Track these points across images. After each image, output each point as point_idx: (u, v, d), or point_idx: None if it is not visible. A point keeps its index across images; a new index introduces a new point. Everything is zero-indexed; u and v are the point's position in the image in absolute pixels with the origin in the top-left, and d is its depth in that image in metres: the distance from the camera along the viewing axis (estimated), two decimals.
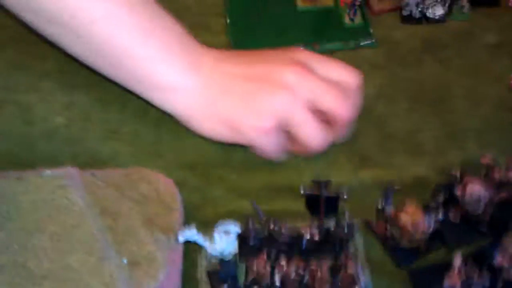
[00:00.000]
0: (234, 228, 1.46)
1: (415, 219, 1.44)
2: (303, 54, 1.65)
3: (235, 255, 1.51)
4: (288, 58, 1.62)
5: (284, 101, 1.55)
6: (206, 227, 1.57)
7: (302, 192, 1.45)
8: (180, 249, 1.46)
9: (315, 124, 1.60)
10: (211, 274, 1.47)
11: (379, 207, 1.49)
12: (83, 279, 1.33)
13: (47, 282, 1.33)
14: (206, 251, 1.50)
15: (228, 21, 1.96)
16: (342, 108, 1.61)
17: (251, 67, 1.62)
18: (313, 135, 1.61)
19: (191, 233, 1.45)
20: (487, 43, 1.93)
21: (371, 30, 1.93)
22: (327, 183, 1.45)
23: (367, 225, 1.55)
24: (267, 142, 1.60)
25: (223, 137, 1.64)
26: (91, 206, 1.44)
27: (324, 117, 1.62)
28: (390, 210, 1.47)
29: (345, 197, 1.45)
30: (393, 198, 1.50)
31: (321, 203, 1.45)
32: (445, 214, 1.53)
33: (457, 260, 1.40)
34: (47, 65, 1.88)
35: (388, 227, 1.50)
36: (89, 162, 1.68)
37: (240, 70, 1.62)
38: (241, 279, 1.48)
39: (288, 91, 1.56)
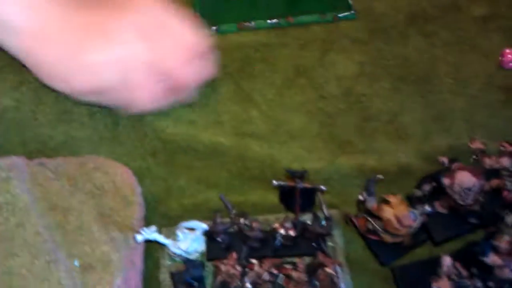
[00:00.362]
0: (200, 225, 1.31)
1: (399, 212, 1.30)
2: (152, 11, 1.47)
3: (201, 254, 1.36)
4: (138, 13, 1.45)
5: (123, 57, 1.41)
6: (170, 222, 1.42)
7: (275, 184, 1.29)
8: (140, 249, 1.32)
9: (151, 86, 1.46)
10: (175, 276, 1.33)
11: (361, 198, 1.35)
12: (28, 285, 1.17)
13: None
14: (168, 250, 1.35)
15: None
16: (183, 72, 1.47)
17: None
18: (146, 96, 1.48)
19: (150, 232, 1.29)
20: (475, 15, 1.78)
21: (350, 1, 1.77)
22: (302, 174, 1.30)
23: (347, 219, 1.41)
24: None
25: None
26: (39, 201, 1.28)
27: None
28: (372, 202, 1.33)
29: (322, 189, 1.30)
30: (375, 188, 1.35)
31: (297, 195, 1.31)
32: (432, 205, 1.39)
33: (446, 261, 1.27)
34: None
35: (370, 220, 1.36)
36: (40, 148, 1.53)
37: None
38: (209, 281, 1.34)
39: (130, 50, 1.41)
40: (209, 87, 1.62)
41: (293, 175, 1.29)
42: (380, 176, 1.33)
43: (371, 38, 1.72)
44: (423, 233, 1.39)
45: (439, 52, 1.70)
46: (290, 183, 1.31)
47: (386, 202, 1.32)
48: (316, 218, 1.36)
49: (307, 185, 1.30)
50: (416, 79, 1.66)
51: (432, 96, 1.63)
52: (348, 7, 1.76)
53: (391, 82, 1.65)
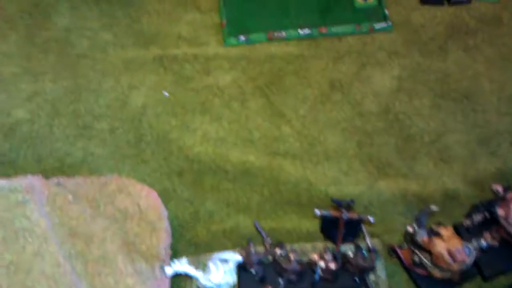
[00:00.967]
0: (233, 257, 1.19)
1: (452, 246, 1.19)
2: None
3: (233, 286, 1.25)
4: None
5: None
6: (197, 250, 1.31)
7: (318, 213, 1.18)
8: (166, 281, 1.20)
9: None
10: None
11: (410, 230, 1.23)
12: None
13: None
14: (197, 282, 1.24)
15: None
16: None
17: None
18: None
19: (181, 264, 1.18)
20: None
21: (387, 12, 1.65)
22: (348, 204, 1.19)
23: (391, 251, 1.29)
24: None
25: None
26: (58, 226, 1.17)
27: None
28: (423, 235, 1.21)
29: (370, 220, 1.19)
30: (427, 221, 1.24)
31: (340, 227, 1.19)
32: (481, 236, 1.28)
33: None
34: (8, 46, 1.58)
35: (418, 253, 1.25)
36: (56, 166, 1.41)
37: None
38: None
39: None
40: (238, 101, 1.51)
41: (339, 205, 1.18)
42: (434, 208, 1.22)
43: (409, 51, 1.61)
44: (472, 267, 1.28)
45: (482, 68, 1.59)
46: (334, 213, 1.19)
47: (437, 234, 1.21)
48: (358, 250, 1.25)
49: (353, 215, 1.18)
50: (458, 96, 1.55)
51: (476, 115, 1.52)
52: (385, 18, 1.64)
53: (431, 99, 1.54)
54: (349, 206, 1.18)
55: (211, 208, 1.38)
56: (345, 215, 1.18)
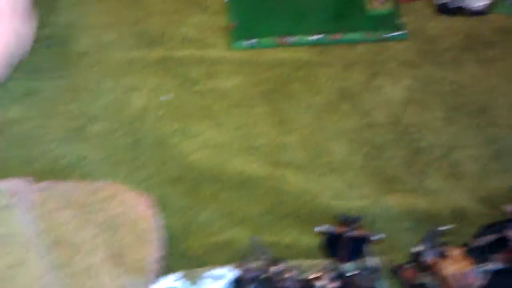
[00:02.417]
0: (228, 274, 1.13)
1: (461, 270, 1.12)
2: None
3: None
4: None
5: None
6: (189, 263, 1.24)
7: (318, 230, 1.11)
8: None
9: None
10: None
11: (415, 250, 1.16)
12: None
13: None
14: None
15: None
16: None
17: None
18: None
19: (169, 282, 1.12)
20: None
21: (402, 20, 1.58)
22: (355, 220, 1.12)
23: (395, 271, 1.22)
24: None
25: None
26: (43, 234, 1.10)
27: None
28: (431, 256, 1.14)
29: (375, 239, 1.12)
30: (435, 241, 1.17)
31: (343, 244, 1.12)
32: (490, 258, 1.21)
33: None
34: None
35: (421, 275, 1.18)
36: (47, 169, 1.35)
37: None
38: None
39: None
40: (243, 107, 1.45)
41: (345, 221, 1.11)
42: (444, 228, 1.15)
43: (422, 62, 1.54)
44: None
45: (497, 82, 1.53)
46: (337, 229, 1.12)
47: (445, 256, 1.14)
48: (361, 269, 1.18)
49: (357, 233, 1.11)
50: (472, 110, 1.48)
51: (490, 130, 1.45)
52: (399, 27, 1.57)
53: (444, 111, 1.47)
54: (355, 223, 1.11)
55: (206, 219, 1.31)
56: (349, 232, 1.11)
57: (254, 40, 1.54)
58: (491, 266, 1.15)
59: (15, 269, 1.04)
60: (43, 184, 1.21)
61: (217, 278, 1.15)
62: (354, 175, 1.38)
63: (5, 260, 1.04)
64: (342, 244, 1.12)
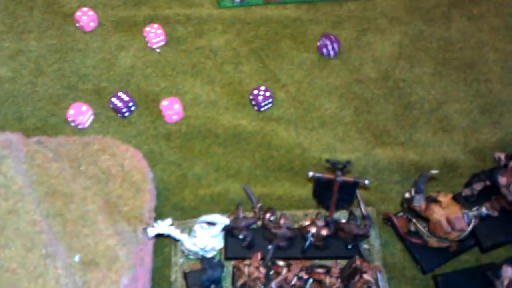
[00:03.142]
0: (221, 219, 1.13)
1: (452, 214, 1.13)
2: None
3: (218, 252, 1.19)
4: None
5: None
6: (183, 215, 1.25)
7: (311, 175, 1.12)
8: (150, 244, 1.14)
9: None
10: (189, 275, 1.15)
11: (407, 196, 1.17)
12: (19, 283, 1.00)
13: None
14: (180, 246, 1.18)
15: None
16: None
17: None
18: None
19: (165, 225, 1.12)
20: None
21: None
22: (345, 165, 1.12)
23: (386, 219, 1.23)
24: None
25: None
26: (36, 184, 1.10)
27: None
28: (421, 201, 1.15)
29: (366, 183, 1.12)
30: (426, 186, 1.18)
31: (334, 190, 1.13)
32: (481, 206, 1.22)
33: (508, 272, 1.10)
34: None
35: (414, 221, 1.19)
36: (38, 126, 1.35)
37: None
38: (226, 283, 1.17)
39: None
40: (232, 64, 1.45)
41: (334, 166, 1.11)
42: (435, 171, 1.15)
43: (411, 18, 1.54)
44: (470, 238, 1.22)
45: (486, 37, 1.53)
46: (327, 176, 1.13)
47: (436, 201, 1.15)
48: (352, 217, 1.19)
49: (348, 178, 1.12)
50: (460, 65, 1.48)
51: (479, 84, 1.46)
52: None
53: (433, 67, 1.48)
54: (345, 168, 1.12)
55: (200, 173, 1.31)
56: (340, 177, 1.11)
57: None
58: (483, 210, 1.16)
59: (11, 216, 1.04)
60: (34, 139, 1.21)
61: (210, 225, 1.15)
62: (344, 129, 1.38)
63: (3, 205, 1.04)
64: (333, 189, 1.12)
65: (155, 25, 1.46)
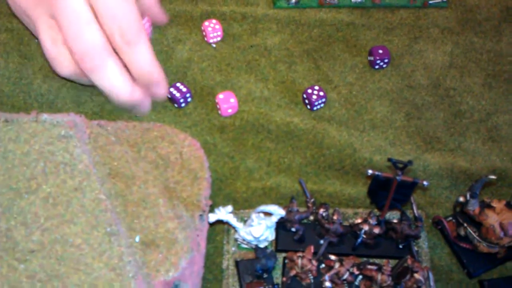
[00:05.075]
0: (278, 211, 1.15)
1: (506, 219, 1.14)
2: None
3: (270, 243, 1.21)
4: None
5: None
6: (235, 205, 1.27)
7: (370, 173, 1.14)
8: (205, 231, 1.16)
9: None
10: (241, 264, 1.17)
11: (461, 200, 1.19)
12: (83, 258, 1.02)
13: (35, 259, 1.02)
14: (234, 235, 1.20)
15: None
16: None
17: None
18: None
19: (226, 212, 1.14)
20: None
21: None
22: (406, 165, 1.14)
23: (436, 222, 1.25)
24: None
25: None
26: (99, 165, 1.13)
27: None
28: (475, 205, 1.17)
29: (425, 184, 1.14)
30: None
31: (392, 189, 1.14)
32: None
33: None
34: None
35: (466, 226, 1.20)
36: (96, 111, 1.38)
37: None
38: (276, 273, 1.19)
39: None
40: (285, 63, 1.47)
41: (395, 164, 1.13)
42: (492, 177, 1.17)
43: (462, 29, 1.56)
44: None
45: None
46: (386, 174, 1.15)
47: (490, 207, 1.16)
48: (404, 218, 1.20)
49: (407, 178, 1.14)
50: (510, 77, 1.50)
51: None
52: None
53: (483, 78, 1.49)
54: (405, 168, 1.14)
55: (252, 166, 1.34)
56: (400, 176, 1.13)
57: (297, 0, 1.55)
58: None
59: (76, 193, 1.06)
60: (95, 122, 1.23)
61: (266, 215, 1.17)
62: (394, 133, 1.40)
63: (66, 184, 1.06)
64: (390, 188, 1.14)
65: (214, 21, 1.48)
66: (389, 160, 1.14)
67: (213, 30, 1.48)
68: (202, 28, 1.49)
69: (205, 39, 1.49)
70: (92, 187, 1.07)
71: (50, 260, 1.02)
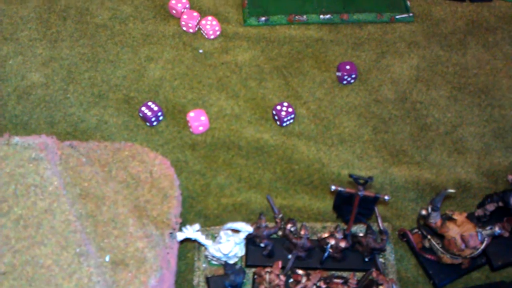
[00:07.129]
0: (246, 227, 1.18)
1: (466, 231, 1.18)
2: None
3: (239, 259, 1.24)
4: None
5: None
6: (206, 222, 1.30)
7: (333, 189, 1.17)
8: (175, 248, 1.19)
9: None
10: (211, 280, 1.20)
11: (423, 213, 1.22)
12: (53, 279, 1.04)
13: (6, 281, 1.05)
14: (204, 252, 1.23)
15: None
16: None
17: None
18: None
19: (193, 230, 1.17)
20: None
21: (408, 3, 1.65)
22: (367, 181, 1.17)
23: (401, 234, 1.28)
24: None
25: None
26: (69, 186, 1.15)
27: None
28: (437, 217, 1.20)
29: (386, 198, 1.17)
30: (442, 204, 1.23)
31: (355, 204, 1.18)
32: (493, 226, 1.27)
33: None
34: (27, 11, 1.58)
35: (429, 238, 1.24)
36: (69, 131, 1.41)
37: None
38: None
39: None
40: (255, 80, 1.51)
41: (356, 180, 1.17)
42: (451, 190, 1.20)
43: (428, 43, 1.60)
44: (481, 257, 1.27)
45: (500, 65, 1.59)
46: (349, 190, 1.18)
47: (451, 219, 1.20)
48: (370, 231, 1.24)
49: (369, 193, 1.17)
50: (475, 90, 1.54)
51: (492, 110, 1.51)
52: (406, 9, 1.64)
53: (449, 91, 1.53)
54: (366, 183, 1.17)
55: (223, 182, 1.37)
56: (362, 192, 1.16)
57: (266, 18, 1.59)
58: (496, 229, 1.20)
59: (46, 215, 1.09)
60: (66, 143, 1.26)
61: (234, 232, 1.20)
62: (362, 147, 1.43)
63: (37, 206, 1.09)
64: (353, 203, 1.17)
65: (209, 17, 1.56)
66: (350, 176, 1.17)
67: (211, 26, 1.53)
68: (200, 27, 1.53)
69: (206, 36, 1.54)
70: (62, 208, 1.10)
71: (21, 282, 1.04)
